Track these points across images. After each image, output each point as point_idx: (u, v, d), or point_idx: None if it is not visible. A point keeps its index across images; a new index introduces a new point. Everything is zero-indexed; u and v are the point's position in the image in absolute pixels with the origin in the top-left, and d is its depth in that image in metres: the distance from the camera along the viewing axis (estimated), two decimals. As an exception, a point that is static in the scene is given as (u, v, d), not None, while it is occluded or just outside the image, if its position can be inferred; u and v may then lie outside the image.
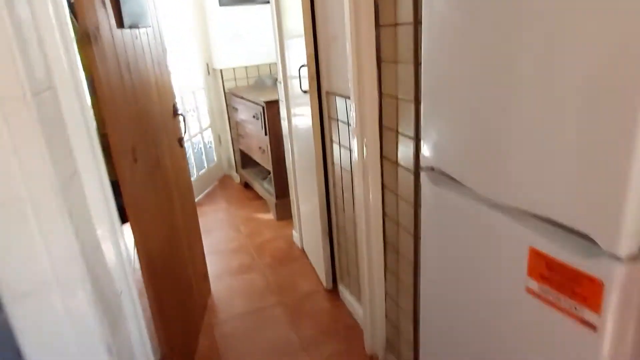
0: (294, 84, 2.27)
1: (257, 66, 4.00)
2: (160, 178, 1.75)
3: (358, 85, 1.49)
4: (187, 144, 3.79)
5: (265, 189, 3.49)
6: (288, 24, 2.24)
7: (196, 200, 3.83)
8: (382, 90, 1.46)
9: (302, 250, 2.81)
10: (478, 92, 0.87)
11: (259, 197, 3.72)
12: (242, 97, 3.53)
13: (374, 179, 1.57)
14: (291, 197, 2.87)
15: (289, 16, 2.19)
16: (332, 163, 2.07)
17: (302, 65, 2.02)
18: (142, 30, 1.70)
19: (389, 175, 1.52)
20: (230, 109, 3.97)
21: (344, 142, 1.86)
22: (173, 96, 2.07)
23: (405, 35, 1.26)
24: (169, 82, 2.04)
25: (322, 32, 1.90)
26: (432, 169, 1.10)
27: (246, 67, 3.97)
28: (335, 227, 2.22)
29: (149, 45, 1.77)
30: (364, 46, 1.42)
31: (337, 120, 1.89)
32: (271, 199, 3.35)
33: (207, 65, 4.07)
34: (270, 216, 3.40)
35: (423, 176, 1.13)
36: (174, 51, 3.61)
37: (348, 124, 1.78)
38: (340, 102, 1.82)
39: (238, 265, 2.72)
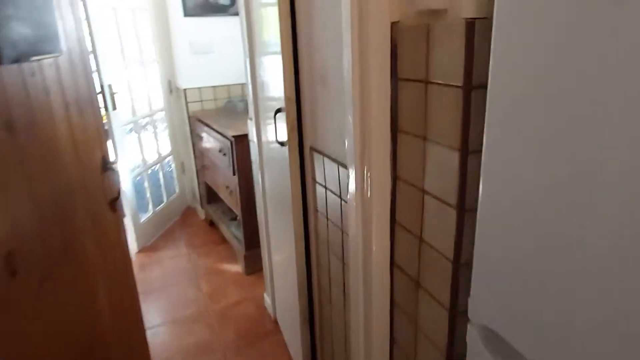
0: (267, 125, 1.77)
1: (228, 86, 3.48)
2: (71, 277, 1.21)
3: (361, 158, 1.00)
4: (141, 175, 3.23)
5: (233, 233, 2.96)
6: (262, 38, 1.74)
7: (151, 241, 3.27)
8: (398, 173, 0.98)
9: (275, 322, 2.30)
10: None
11: (225, 241, 3.18)
12: (207, 125, 3.00)
13: (380, 293, 1.08)
14: (262, 253, 2.35)
15: (264, 33, 1.69)
16: (315, 230, 1.57)
17: (278, 110, 1.52)
18: (45, 62, 1.17)
19: (403, 294, 1.04)
20: (195, 136, 3.43)
21: (334, 217, 1.37)
22: (102, 145, 1.53)
23: (444, 101, 0.79)
24: (97, 126, 1.50)
25: (305, 65, 1.41)
26: (486, 327, 0.63)
27: (214, 87, 3.44)
28: (317, 304, 1.72)
29: (60, 81, 1.23)
30: (372, 105, 0.94)
31: (325, 188, 1.40)
32: (239, 248, 2.82)
33: (170, 83, 3.52)
34: (237, 268, 2.87)
35: (472, 333, 0.66)
36: (129, 66, 3.06)
37: (340, 198, 1.29)
38: (330, 167, 1.33)
39: (194, 344, 2.18)
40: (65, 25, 1.29)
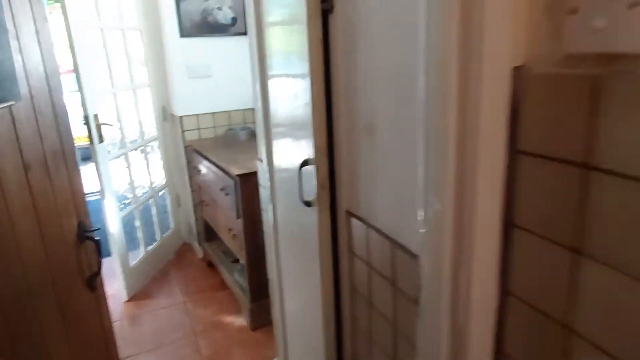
0: (282, 171, 1.45)
1: (228, 113, 3.16)
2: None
3: (453, 261, 0.68)
4: (132, 212, 2.88)
5: (236, 280, 2.61)
6: (278, 62, 1.43)
7: (143, 284, 2.91)
8: (511, 288, 0.65)
9: (289, 396, 1.94)
10: None
11: (226, 286, 2.83)
12: (206, 158, 2.67)
13: None
14: (273, 307, 2.01)
15: (282, 57, 1.38)
16: (352, 314, 1.24)
17: (305, 162, 1.20)
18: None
19: None
20: (192, 168, 3.09)
21: (383, 306, 1.04)
22: (79, 209, 1.20)
23: (634, 205, 0.47)
24: (73, 187, 1.17)
25: (342, 106, 1.09)
26: None
27: (213, 114, 3.12)
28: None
29: (15, 138, 0.91)
30: (478, 185, 0.62)
31: (368, 265, 1.07)
32: (244, 299, 2.48)
33: (164, 109, 3.20)
34: (242, 321, 2.52)
35: None
36: (119, 93, 2.73)
37: (394, 286, 0.96)
38: (378, 243, 1.00)
39: None
40: (27, 60, 0.97)
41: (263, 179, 1.73)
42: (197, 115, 3.07)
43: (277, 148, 1.51)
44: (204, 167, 2.74)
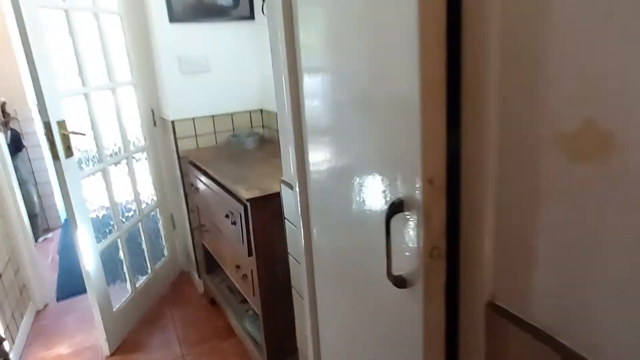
0: (331, 209, 0.89)
1: (231, 116, 2.59)
2: None
3: None
4: (115, 242, 2.31)
5: (247, 330, 2.04)
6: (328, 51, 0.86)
7: (130, 330, 2.34)
8: None
9: None
10: None
11: (233, 333, 2.25)
12: (206, 174, 2.10)
13: None
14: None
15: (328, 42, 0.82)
16: None
17: (396, 208, 0.63)
18: None
19: None
20: (188, 184, 2.52)
21: None
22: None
23: None
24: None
25: (495, 103, 0.52)
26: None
27: (213, 118, 2.55)
28: None
29: None
30: None
31: None
32: (258, 357, 1.90)
33: (152, 113, 2.63)
34: (256, 385, 1.94)
35: None
36: (93, 94, 2.16)
37: None
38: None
39: None
40: None
41: (292, 211, 1.17)
42: (193, 119, 2.49)
43: (319, 167, 0.95)
44: (203, 185, 2.17)
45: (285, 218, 1.24)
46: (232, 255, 1.96)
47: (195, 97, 2.47)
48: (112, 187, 2.27)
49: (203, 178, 2.14)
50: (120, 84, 2.39)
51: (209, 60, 2.45)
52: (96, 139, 2.16)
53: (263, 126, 2.66)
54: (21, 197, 3.58)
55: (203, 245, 2.54)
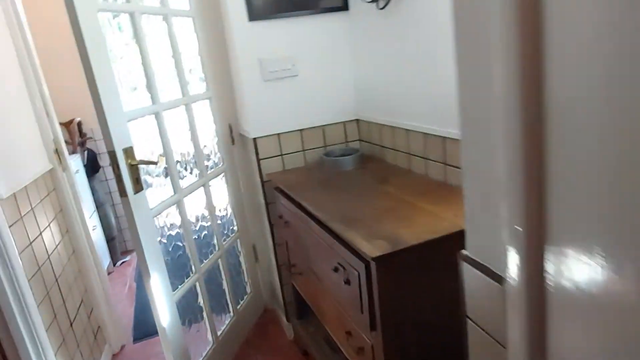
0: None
1: (322, 129, 2.14)
2: None
3: None
4: (190, 293, 1.95)
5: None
6: None
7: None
8: None
9: None
10: None
11: (338, 403, 1.79)
12: (299, 206, 1.66)
13: None
14: None
15: None
16: None
17: None
18: None
19: None
20: (274, 214, 2.11)
21: None
22: None
23: None
24: None
25: None
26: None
27: (301, 132, 2.11)
28: None
29: None
30: None
31: None
32: None
33: (230, 128, 2.26)
34: None
35: None
36: (163, 111, 1.80)
37: None
38: None
39: None
40: None
41: (488, 315, 0.66)
42: (278, 135, 2.08)
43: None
44: (296, 218, 1.73)
45: (469, 318, 0.73)
46: (340, 317, 1.50)
47: (279, 109, 2.05)
48: (188, 219, 1.91)
49: (295, 210, 1.70)
50: (195, 98, 2.03)
51: (295, 63, 2.02)
52: (169, 165, 1.81)
53: (360, 139, 2.18)
54: (98, 221, 3.43)
55: (293, 286, 2.11)
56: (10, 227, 1.58)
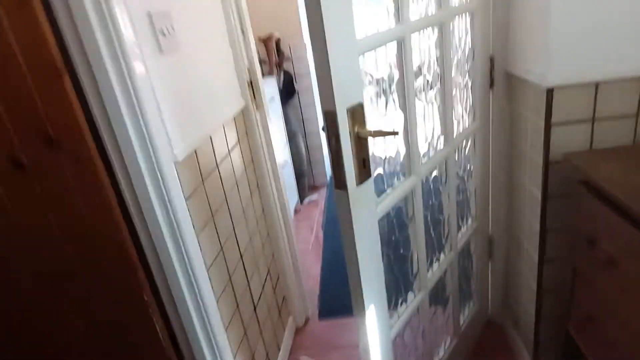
0: None
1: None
2: None
3: None
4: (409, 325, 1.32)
5: None
6: None
7: None
8: None
9: None
10: None
11: None
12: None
13: None
14: None
15: None
16: None
17: None
18: None
19: None
20: (552, 218, 1.25)
21: None
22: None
23: None
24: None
25: None
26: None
27: (629, 81, 1.13)
28: None
29: None
30: None
31: None
32: None
33: (492, 62, 1.39)
34: None
35: None
36: (417, 36, 1.05)
37: None
38: None
39: None
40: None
41: None
42: (596, 85, 1.14)
43: None
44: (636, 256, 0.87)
45: None
46: None
47: (613, 32, 1.10)
48: (421, 215, 1.22)
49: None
50: (453, 12, 1.21)
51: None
52: (410, 132, 1.09)
53: None
54: (289, 156, 3.05)
55: (567, 332, 1.30)
56: (187, 199, 1.12)
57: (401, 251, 1.19)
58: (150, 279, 1.15)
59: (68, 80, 0.92)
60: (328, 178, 3.62)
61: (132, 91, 0.93)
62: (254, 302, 1.56)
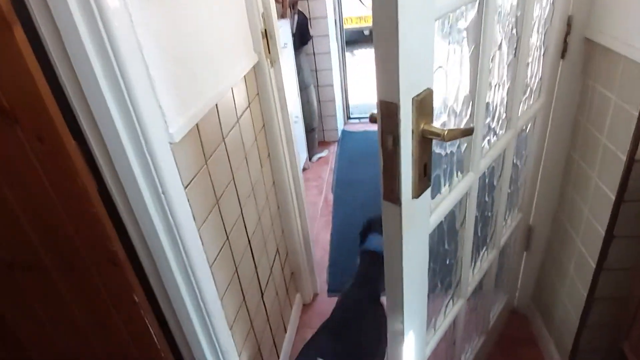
0: None
1: None
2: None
3: None
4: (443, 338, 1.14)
5: None
6: None
7: None
8: None
9: None
10: None
11: None
12: None
13: None
14: None
15: None
16: None
17: None
18: None
19: None
20: (623, 223, 1.04)
21: None
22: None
23: None
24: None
25: None
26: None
27: None
28: None
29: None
30: None
31: None
32: None
33: (569, 25, 1.11)
34: None
35: None
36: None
37: None
38: None
39: None
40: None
41: None
42: None
43: None
44: None
45: None
46: None
47: None
48: (473, 217, 1.00)
49: None
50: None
51: None
52: (476, 121, 0.84)
53: None
54: (300, 111, 2.76)
55: (620, 345, 1.13)
56: (186, 188, 0.90)
57: (447, 262, 0.99)
58: (144, 279, 0.95)
59: (21, 31, 0.66)
60: (339, 133, 3.36)
61: (109, 49, 0.67)
62: (261, 289, 1.39)
